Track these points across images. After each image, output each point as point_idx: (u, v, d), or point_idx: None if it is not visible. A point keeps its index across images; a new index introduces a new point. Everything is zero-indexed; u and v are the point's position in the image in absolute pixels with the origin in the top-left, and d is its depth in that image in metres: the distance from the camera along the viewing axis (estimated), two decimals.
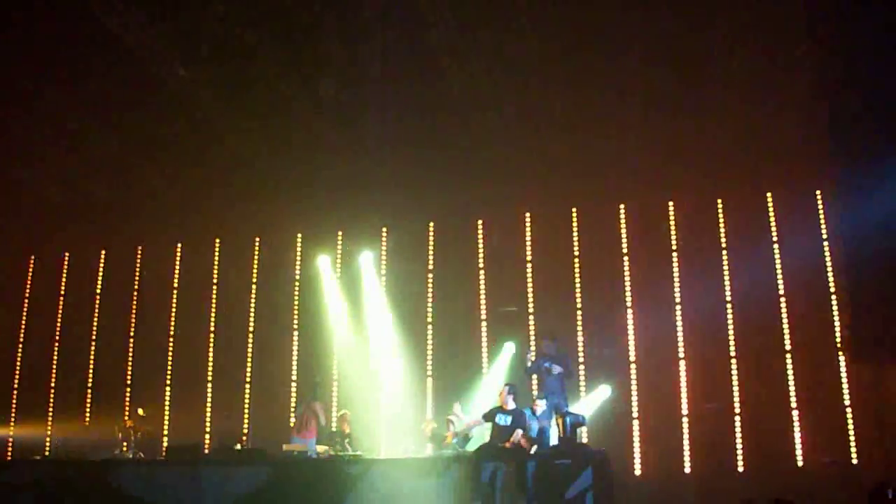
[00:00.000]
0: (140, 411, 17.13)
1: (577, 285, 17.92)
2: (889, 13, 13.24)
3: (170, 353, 19.55)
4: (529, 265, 18.27)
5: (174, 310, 19.83)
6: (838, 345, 16.28)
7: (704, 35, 14.29)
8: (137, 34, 14.06)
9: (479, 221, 18.61)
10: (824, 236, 16.91)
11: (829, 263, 16.77)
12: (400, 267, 18.76)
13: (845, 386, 16.31)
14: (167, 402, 19.25)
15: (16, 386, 20.09)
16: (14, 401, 19.84)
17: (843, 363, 16.28)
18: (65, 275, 20.71)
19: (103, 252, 20.51)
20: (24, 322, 20.65)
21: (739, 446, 16.52)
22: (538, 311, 18.03)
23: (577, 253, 18.08)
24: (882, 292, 14.11)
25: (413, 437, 14.61)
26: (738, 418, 16.64)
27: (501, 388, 14.16)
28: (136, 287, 20.18)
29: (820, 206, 17.04)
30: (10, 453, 19.35)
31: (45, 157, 17.89)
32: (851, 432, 16.06)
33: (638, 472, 16.65)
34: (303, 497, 12.87)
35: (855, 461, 15.80)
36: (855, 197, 14.23)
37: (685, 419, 16.82)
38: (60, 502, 14.02)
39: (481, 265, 18.51)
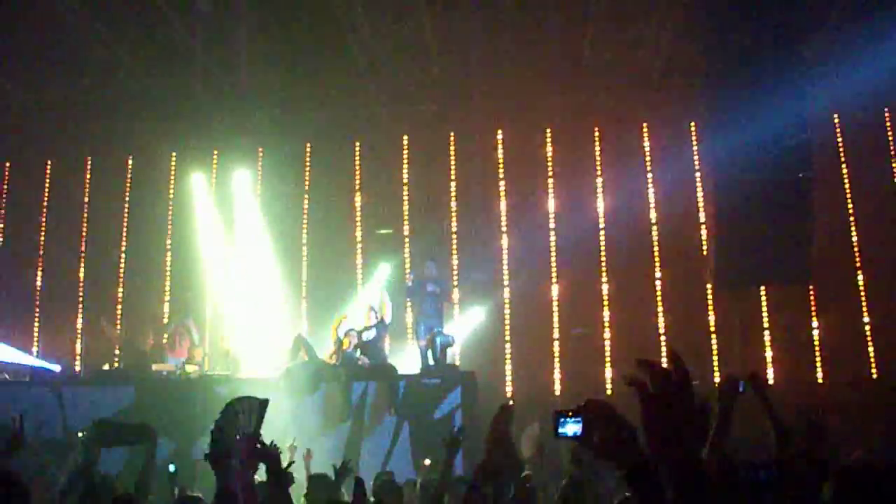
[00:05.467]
0: None
1: (454, 208, 18.01)
2: None
3: (38, 275, 19.05)
4: (406, 187, 18.27)
5: (44, 230, 19.27)
6: (705, 273, 16.72)
7: None
8: None
9: (357, 143, 18.48)
10: (696, 167, 17.26)
11: (700, 195, 17.17)
12: (275, 188, 18.51)
13: (711, 312, 16.80)
14: (36, 324, 18.79)
15: None
16: None
17: (709, 290, 16.74)
18: None
19: None
20: None
21: (608, 370, 16.90)
22: (413, 233, 18.10)
23: (453, 176, 18.13)
24: (746, 222, 14.56)
25: (286, 356, 14.56)
26: (606, 342, 17.01)
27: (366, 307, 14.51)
28: (2, 206, 19.51)
29: (693, 138, 17.35)
30: None
31: None
32: (715, 356, 16.57)
33: (509, 393, 16.90)
34: (169, 417, 12.75)
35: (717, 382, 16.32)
36: (726, 129, 14.58)
37: (556, 342, 17.13)
38: None
39: (358, 187, 18.43)
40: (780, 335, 16.62)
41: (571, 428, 2.80)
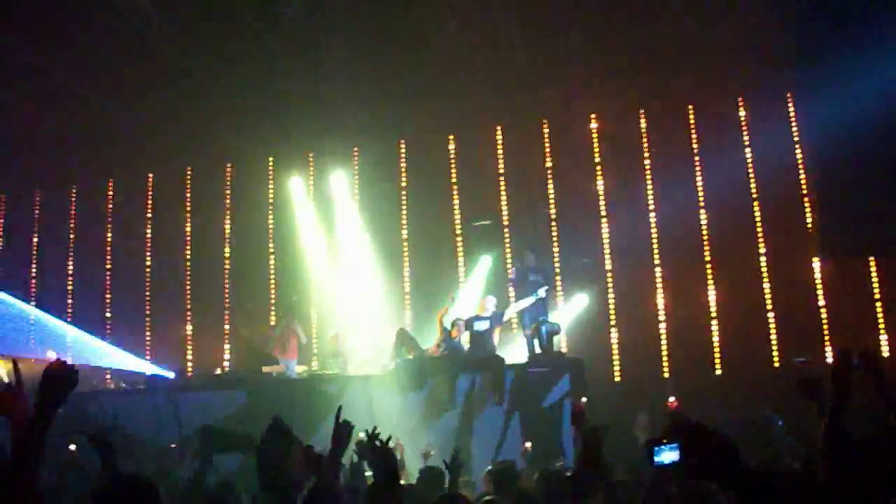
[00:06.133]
0: None
1: (551, 196, 17.95)
2: None
3: (146, 283, 19.52)
4: (502, 178, 18.25)
5: (148, 240, 19.72)
6: (810, 245, 16.40)
7: None
8: None
9: (451, 136, 18.53)
10: (796, 139, 16.90)
11: (800, 166, 16.83)
12: (372, 186, 18.64)
13: (819, 286, 16.45)
14: (147, 331, 19.22)
15: None
16: None
17: (816, 263, 16.40)
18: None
19: (73, 191, 20.24)
20: None
21: (717, 350, 16.68)
22: (513, 223, 18.09)
23: (549, 164, 18.06)
24: (852, 191, 14.22)
25: (391, 351, 14.65)
26: (714, 322, 16.78)
27: (482, 298, 14.53)
28: (108, 219, 19.99)
29: (791, 110, 17.00)
30: None
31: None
32: (825, 331, 16.22)
33: (617, 378, 16.80)
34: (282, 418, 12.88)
35: (830, 360, 15.92)
36: (825, 99, 14.26)
37: (662, 325, 16.97)
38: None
39: (454, 180, 18.48)
40: (894, 306, 16.15)
41: (668, 456, 2.76)
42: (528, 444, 11.50)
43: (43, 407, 3.48)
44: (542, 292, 14.21)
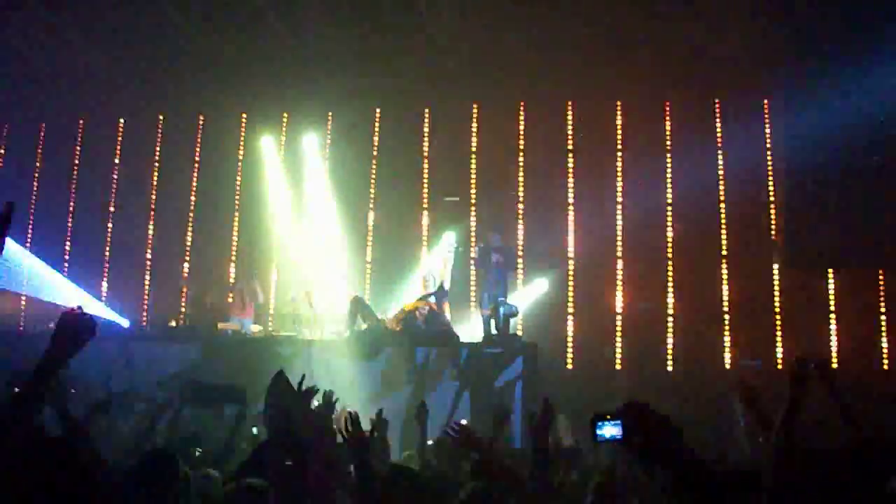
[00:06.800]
0: None
1: (521, 179, 17.97)
2: None
3: (108, 230, 19.36)
4: (474, 156, 18.26)
5: (115, 186, 19.55)
6: (772, 252, 16.58)
7: None
8: None
9: (426, 110, 18.49)
10: (769, 146, 17.02)
11: (770, 173, 16.95)
12: (343, 153, 18.56)
13: (777, 292, 16.61)
14: (105, 279, 19.07)
15: None
16: None
17: (776, 270, 16.56)
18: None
19: (43, 125, 20.01)
20: None
21: (669, 346, 16.81)
22: (480, 202, 18.10)
23: (522, 147, 18.07)
24: (818, 203, 14.38)
25: (346, 320, 14.67)
26: (670, 319, 16.91)
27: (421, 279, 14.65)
28: (75, 163, 19.80)
29: (766, 117, 17.11)
30: None
31: None
32: (779, 337, 16.39)
33: (570, 365, 16.90)
34: (232, 376, 12.80)
35: (780, 366, 16.12)
36: (800, 109, 14.39)
37: (619, 317, 17.07)
38: None
39: (426, 154, 18.45)
40: (848, 320, 16.32)
41: (609, 430, 2.80)
42: (464, 421, 11.58)
43: (51, 357, 3.31)
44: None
